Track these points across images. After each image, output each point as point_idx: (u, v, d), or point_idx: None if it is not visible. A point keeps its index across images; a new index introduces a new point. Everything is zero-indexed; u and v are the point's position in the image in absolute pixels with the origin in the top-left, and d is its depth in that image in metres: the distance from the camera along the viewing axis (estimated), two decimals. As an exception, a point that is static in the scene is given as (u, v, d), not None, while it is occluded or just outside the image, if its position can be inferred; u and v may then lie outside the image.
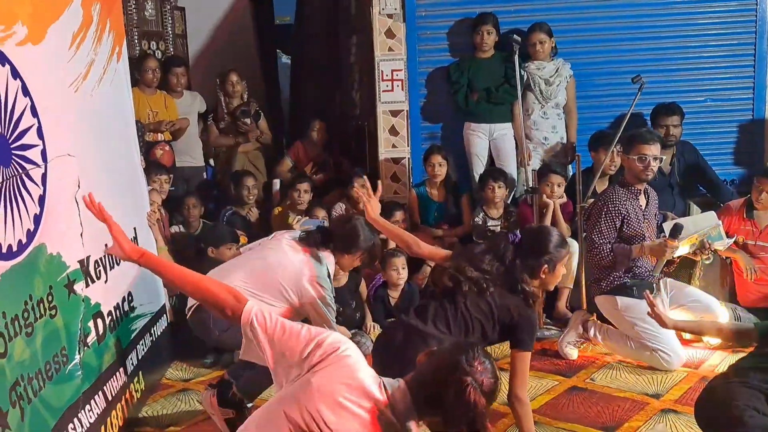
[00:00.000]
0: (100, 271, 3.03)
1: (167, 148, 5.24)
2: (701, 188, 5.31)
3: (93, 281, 2.92)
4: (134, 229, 3.72)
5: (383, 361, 2.76)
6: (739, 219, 4.38)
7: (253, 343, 1.82)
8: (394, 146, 5.60)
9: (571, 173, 5.30)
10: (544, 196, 4.83)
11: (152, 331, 3.80)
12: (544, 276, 2.87)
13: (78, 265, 2.77)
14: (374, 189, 3.29)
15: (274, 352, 1.80)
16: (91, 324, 2.84)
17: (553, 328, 4.54)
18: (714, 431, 2.54)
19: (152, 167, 4.67)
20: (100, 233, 3.10)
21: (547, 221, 4.85)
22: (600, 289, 3.95)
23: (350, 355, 1.80)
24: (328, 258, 3.39)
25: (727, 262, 4.41)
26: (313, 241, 3.40)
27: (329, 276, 3.36)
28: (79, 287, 2.74)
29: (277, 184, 5.58)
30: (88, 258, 2.89)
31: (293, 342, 1.79)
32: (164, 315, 4.03)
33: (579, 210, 4.63)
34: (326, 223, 4.57)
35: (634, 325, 3.73)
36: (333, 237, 3.42)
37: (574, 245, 4.77)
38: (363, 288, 4.56)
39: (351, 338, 4.20)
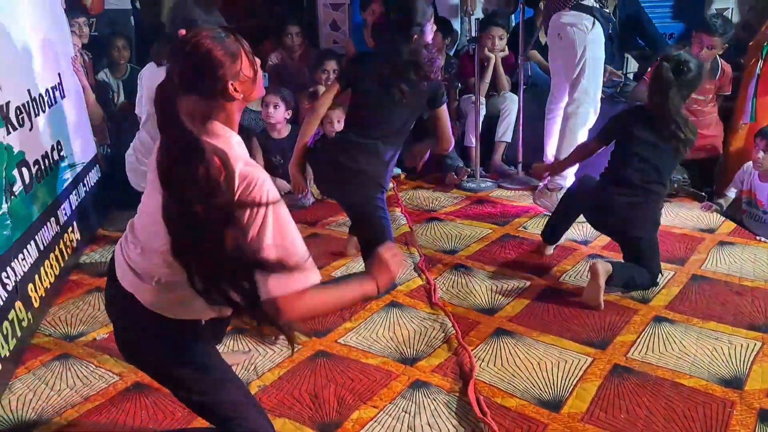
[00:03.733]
0: (23, 118, 2.88)
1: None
2: (640, 41, 5.30)
3: (15, 128, 2.77)
4: (59, 74, 3.52)
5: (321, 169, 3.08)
6: (676, 72, 4.41)
7: None
8: (332, -10, 5.35)
9: (514, 23, 5.20)
10: (485, 49, 4.75)
11: (85, 182, 3.71)
12: (414, 45, 2.87)
13: (-3, 111, 2.63)
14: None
15: None
16: (15, 173, 2.73)
17: (489, 180, 4.63)
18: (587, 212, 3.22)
19: (72, 10, 4.34)
20: (21, 77, 2.95)
21: (488, 75, 4.81)
22: None
23: None
24: None
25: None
26: None
27: None
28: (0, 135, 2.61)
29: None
30: (7, 104, 2.73)
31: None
32: (96, 165, 3.92)
33: (521, 61, 4.60)
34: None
35: None
36: None
37: (514, 99, 4.79)
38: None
39: (290, 191, 4.21)
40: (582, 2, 3.80)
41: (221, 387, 1.77)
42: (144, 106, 3.38)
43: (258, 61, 1.73)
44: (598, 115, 3.98)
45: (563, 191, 3.97)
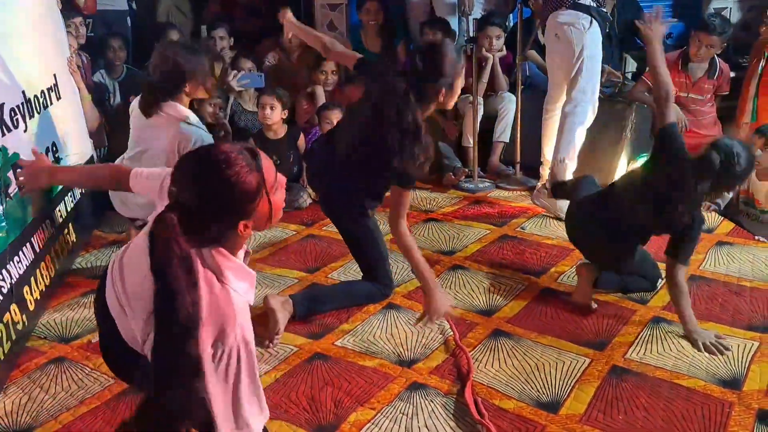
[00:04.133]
0: (17, 119, 2.87)
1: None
2: (639, 41, 5.29)
3: (9, 130, 2.76)
4: (54, 75, 3.51)
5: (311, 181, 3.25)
6: (674, 71, 4.41)
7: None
8: (329, -12, 5.33)
9: (512, 23, 5.19)
10: (483, 49, 4.74)
11: (80, 184, 3.69)
12: (442, 99, 2.65)
13: (-9, 113, 2.61)
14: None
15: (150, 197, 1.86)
16: (10, 174, 2.71)
17: (487, 180, 4.62)
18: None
19: (66, 10, 4.32)
20: (15, 79, 2.93)
21: (486, 75, 4.80)
22: None
23: None
24: (181, 111, 2.97)
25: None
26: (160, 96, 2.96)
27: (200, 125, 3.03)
28: (-6, 136, 2.60)
29: (204, 31, 5.28)
30: (2, 105, 2.71)
31: (155, 182, 1.81)
32: (92, 167, 3.91)
33: (518, 61, 4.59)
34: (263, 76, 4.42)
35: None
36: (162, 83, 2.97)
37: (512, 99, 4.78)
38: (301, 141, 4.50)
39: (289, 188, 4.21)
40: (579, 1, 3.79)
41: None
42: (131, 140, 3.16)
43: (282, 180, 1.57)
44: (596, 115, 3.96)
45: None
